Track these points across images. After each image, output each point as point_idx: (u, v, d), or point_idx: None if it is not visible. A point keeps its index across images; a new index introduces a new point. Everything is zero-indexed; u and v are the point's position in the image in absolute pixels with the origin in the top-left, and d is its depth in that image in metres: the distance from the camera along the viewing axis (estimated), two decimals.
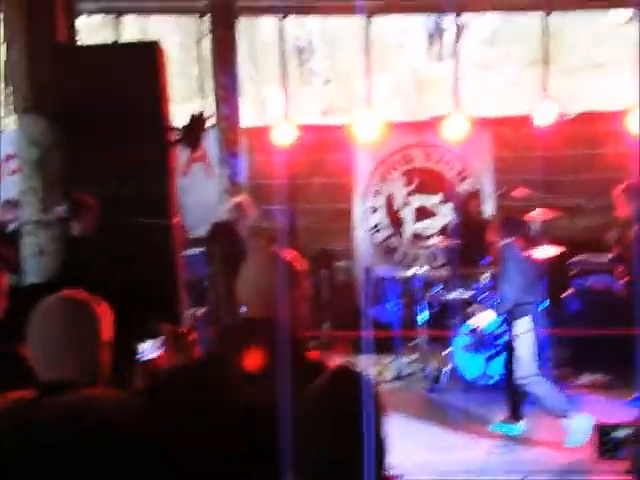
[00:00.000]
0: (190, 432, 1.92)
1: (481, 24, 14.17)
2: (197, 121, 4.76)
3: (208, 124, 7.98)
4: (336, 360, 2.02)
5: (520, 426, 5.95)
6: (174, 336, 2.46)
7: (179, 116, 5.79)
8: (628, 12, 12.30)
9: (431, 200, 8.83)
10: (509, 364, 6.12)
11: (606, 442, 1.91)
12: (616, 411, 6.00)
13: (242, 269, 2.16)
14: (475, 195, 8.11)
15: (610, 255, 6.87)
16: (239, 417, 1.91)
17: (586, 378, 7.08)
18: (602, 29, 13.83)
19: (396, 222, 8.90)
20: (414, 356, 7.27)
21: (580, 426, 5.19)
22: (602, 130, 8.72)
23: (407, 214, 8.90)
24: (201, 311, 5.16)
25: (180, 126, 4.74)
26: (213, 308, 5.91)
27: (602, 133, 8.72)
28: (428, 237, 8.67)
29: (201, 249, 6.88)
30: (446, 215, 8.89)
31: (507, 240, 5.99)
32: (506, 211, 7.47)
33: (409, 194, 8.93)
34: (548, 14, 9.08)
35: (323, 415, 1.80)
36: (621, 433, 1.88)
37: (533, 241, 7.07)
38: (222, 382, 1.98)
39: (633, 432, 1.34)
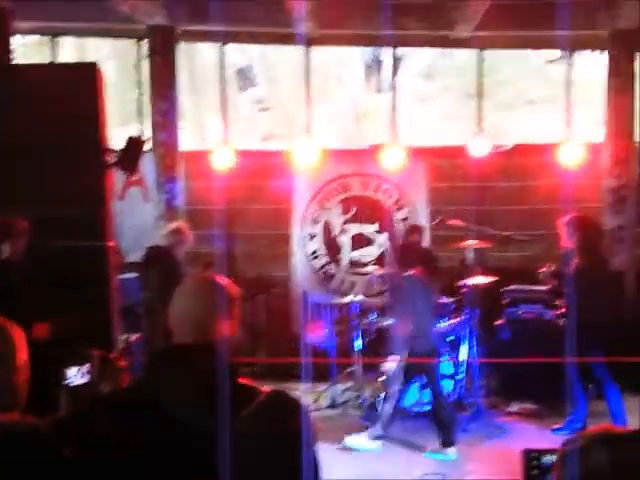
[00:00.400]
0: (112, 459, 1.88)
1: (418, 58, 14.48)
2: (134, 144, 4.71)
3: (145, 148, 7.96)
4: (270, 387, 2.01)
5: (452, 453, 6.01)
6: (102, 362, 2.39)
7: (116, 139, 5.74)
8: (556, 52, 12.80)
9: (368, 229, 8.92)
10: (434, 392, 6.21)
11: (532, 468, 1.94)
12: (544, 439, 6.14)
13: (174, 294, 2.14)
14: (417, 229, 8.13)
15: (546, 287, 7.03)
16: (166, 445, 1.87)
17: (516, 406, 7.21)
18: (533, 67, 14.31)
19: (333, 249, 8.95)
20: (349, 383, 7.28)
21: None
22: (534, 163, 8.97)
23: (344, 242, 8.97)
24: (135, 337, 5.08)
25: (117, 149, 4.69)
26: (148, 334, 5.83)
27: (534, 165, 8.97)
28: (365, 265, 8.74)
29: (136, 273, 6.78)
30: (382, 244, 9.00)
31: (408, 272, 6.16)
32: (413, 243, 7.59)
33: (346, 222, 9.01)
34: (482, 50, 9.33)
35: (257, 440, 1.79)
36: (548, 459, 1.91)
37: (466, 270, 7.22)
38: (149, 409, 1.94)
39: (556, 458, 1.37)
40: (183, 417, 1.90)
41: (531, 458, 1.96)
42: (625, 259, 8.37)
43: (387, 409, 6.26)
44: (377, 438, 6.23)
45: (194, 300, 2.09)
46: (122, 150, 4.65)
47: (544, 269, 6.56)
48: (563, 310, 6.77)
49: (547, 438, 6.19)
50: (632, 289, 8.42)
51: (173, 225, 6.95)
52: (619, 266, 8.28)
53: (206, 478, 1.81)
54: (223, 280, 2.15)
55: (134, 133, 7.03)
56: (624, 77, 8.29)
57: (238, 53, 14.94)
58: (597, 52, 11.90)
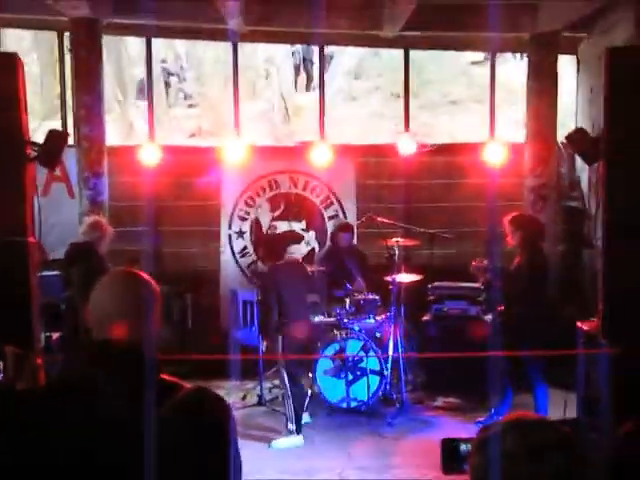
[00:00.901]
0: (24, 459, 1.84)
1: (347, 57, 14.60)
2: (55, 138, 4.59)
3: (69, 142, 7.76)
4: (195, 384, 2.00)
5: (299, 439, 6.25)
6: (17, 359, 2.33)
7: (38, 133, 5.58)
8: (480, 55, 13.11)
9: (296, 226, 8.93)
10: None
11: (451, 456, 1.99)
12: (468, 431, 6.26)
13: (93, 289, 2.10)
14: (347, 227, 8.19)
15: (476, 283, 7.15)
16: (86, 437, 1.84)
17: (441, 401, 7.35)
18: (458, 68, 14.62)
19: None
20: (277, 381, 7.26)
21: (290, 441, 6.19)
22: (459, 161, 9.15)
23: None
24: (57, 335, 4.96)
25: (38, 143, 4.56)
26: (69, 332, 5.69)
27: (459, 164, 9.15)
28: None
29: (59, 271, 6.61)
30: (310, 241, 9.03)
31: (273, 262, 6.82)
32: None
33: (274, 219, 9.01)
34: (408, 50, 9.45)
35: (177, 434, 1.78)
36: (465, 447, 1.95)
37: (393, 267, 7.30)
38: (66, 406, 1.91)
39: (473, 444, 1.41)
40: (103, 412, 1.87)
41: (449, 447, 2.00)
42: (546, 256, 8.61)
43: (288, 404, 6.39)
44: (295, 433, 6.31)
45: (113, 295, 2.05)
46: (43, 144, 4.52)
47: (475, 263, 6.69)
48: (497, 306, 6.93)
49: (471, 431, 6.29)
50: (553, 285, 8.66)
51: (91, 220, 6.76)
52: None
53: (124, 472, 1.78)
54: (143, 276, 2.11)
55: (57, 128, 6.86)
56: (545, 79, 8.51)
57: (165, 48, 14.78)
58: (519, 55, 12.25)
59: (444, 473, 2.03)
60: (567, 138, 7.34)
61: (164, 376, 2.04)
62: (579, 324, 5.43)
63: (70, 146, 8.27)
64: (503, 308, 6.60)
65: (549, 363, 6.24)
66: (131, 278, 2.11)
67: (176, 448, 1.79)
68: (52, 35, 9.73)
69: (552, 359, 6.09)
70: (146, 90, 9.63)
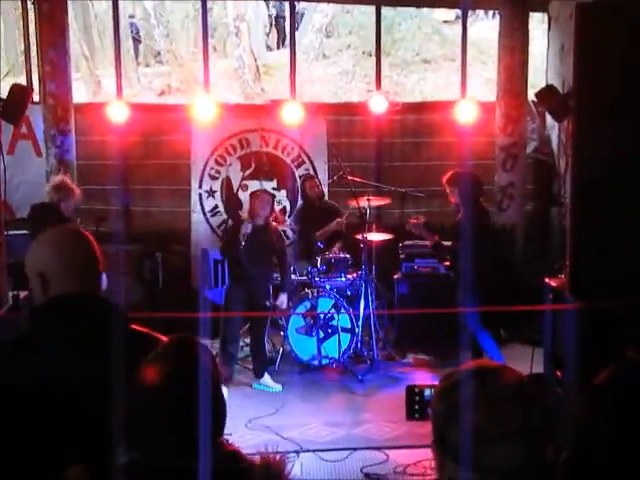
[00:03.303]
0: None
1: (318, 14, 14.41)
2: (18, 93, 4.49)
3: (34, 99, 7.62)
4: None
5: (273, 385, 6.66)
6: None
7: (2, 90, 5.46)
8: (453, 12, 13.01)
9: (267, 185, 8.89)
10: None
11: (414, 402, 2.02)
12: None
13: (33, 244, 2.09)
14: (310, 178, 8.26)
15: (430, 242, 7.19)
16: (58, 390, 1.84)
17: (411, 357, 7.43)
18: (429, 27, 14.52)
19: (233, 206, 8.87)
20: (248, 339, 7.29)
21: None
22: (430, 120, 9.13)
23: (244, 198, 8.90)
24: (24, 294, 4.91)
25: (1, 98, 4.46)
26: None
27: (430, 123, 9.13)
28: None
29: (26, 230, 6.52)
30: (282, 200, 9.00)
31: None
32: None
33: (245, 178, 8.95)
34: (379, 7, 9.36)
35: (168, 379, 1.77)
36: (428, 393, 1.99)
37: (364, 226, 7.32)
38: (35, 361, 1.90)
39: (434, 391, 1.43)
40: (72, 366, 1.86)
41: (413, 393, 2.03)
42: (515, 215, 8.68)
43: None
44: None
45: (63, 252, 2.05)
46: (5, 99, 4.42)
47: (413, 221, 6.74)
48: (449, 263, 6.99)
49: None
50: (521, 243, 8.76)
51: (57, 180, 6.65)
52: (509, 221, 8.58)
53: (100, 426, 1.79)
54: (85, 233, 2.13)
55: (20, 83, 6.71)
56: (517, 37, 8.48)
57: (133, 4, 14.48)
58: (491, 12, 12.19)
59: (408, 419, 2.07)
60: (537, 95, 7.40)
61: (135, 327, 2.06)
62: (547, 280, 5.49)
63: (36, 103, 8.13)
64: (453, 264, 6.68)
65: (514, 318, 6.31)
66: (72, 234, 2.13)
67: (163, 390, 1.79)
68: None
69: (519, 315, 6.18)
70: (114, 47, 9.43)
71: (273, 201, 7.15)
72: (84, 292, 2.05)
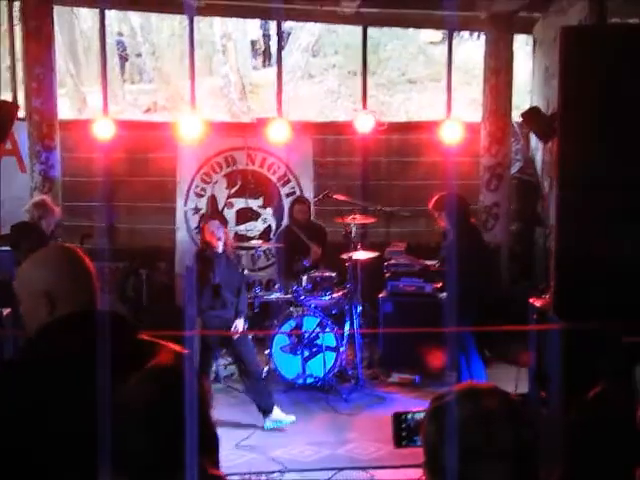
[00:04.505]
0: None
1: (304, 33, 14.50)
2: (5, 110, 4.48)
3: (19, 116, 7.58)
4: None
5: (285, 417, 6.14)
6: None
7: None
8: (438, 35, 13.17)
9: (253, 203, 8.89)
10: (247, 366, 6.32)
11: (402, 429, 2.01)
12: (422, 407, 6.34)
13: (24, 264, 2.06)
14: (301, 202, 8.21)
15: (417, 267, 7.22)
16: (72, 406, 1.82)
17: (396, 377, 7.41)
18: (415, 47, 14.64)
19: None
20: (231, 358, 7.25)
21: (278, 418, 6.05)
22: (416, 140, 9.19)
23: (229, 216, 8.90)
24: (7, 310, 4.87)
25: None
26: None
27: (416, 143, 9.20)
28: (250, 239, 8.73)
29: (9, 247, 6.48)
30: (267, 218, 9.00)
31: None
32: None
33: (231, 196, 8.94)
34: (366, 27, 9.44)
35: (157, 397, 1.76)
36: (416, 419, 1.98)
37: (350, 245, 7.33)
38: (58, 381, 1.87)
39: (425, 414, 1.43)
40: (95, 383, 1.83)
41: (400, 420, 2.02)
42: (500, 234, 8.73)
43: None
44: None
45: (63, 269, 2.02)
46: None
47: (390, 249, 6.80)
48: (439, 284, 7.02)
49: (425, 407, 6.40)
50: (506, 263, 8.80)
51: (36, 199, 6.68)
52: (494, 241, 8.63)
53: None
54: (78, 251, 2.09)
55: (6, 99, 6.69)
56: (501, 58, 8.58)
57: (120, 22, 14.49)
58: (476, 34, 12.32)
59: (395, 447, 2.06)
60: (522, 116, 7.45)
61: (140, 334, 2.03)
62: (531, 301, 5.52)
63: (21, 119, 8.10)
64: (445, 285, 6.70)
65: (498, 338, 6.32)
66: (66, 253, 2.10)
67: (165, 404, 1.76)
68: (1, 4, 9.45)
69: (504, 335, 6.19)
70: (100, 63, 9.43)
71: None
72: (95, 308, 2.03)
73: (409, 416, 2.01)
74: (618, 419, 2.00)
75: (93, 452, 1.78)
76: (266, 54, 15.08)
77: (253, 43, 15.09)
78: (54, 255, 2.11)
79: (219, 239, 6.39)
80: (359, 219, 7.52)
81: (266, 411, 6.13)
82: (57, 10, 8.58)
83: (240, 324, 6.41)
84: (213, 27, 14.20)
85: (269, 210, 9.02)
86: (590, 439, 1.80)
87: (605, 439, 1.95)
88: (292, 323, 7.04)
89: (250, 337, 6.69)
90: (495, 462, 1.39)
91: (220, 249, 6.42)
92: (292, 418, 6.10)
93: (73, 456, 1.83)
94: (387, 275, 7.72)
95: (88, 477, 1.78)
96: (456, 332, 6.11)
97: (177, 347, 1.98)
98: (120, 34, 14.88)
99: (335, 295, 7.29)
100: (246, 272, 7.59)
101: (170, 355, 1.94)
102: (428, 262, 7.50)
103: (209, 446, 1.82)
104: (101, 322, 1.93)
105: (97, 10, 9.31)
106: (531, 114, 7.28)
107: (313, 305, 7.15)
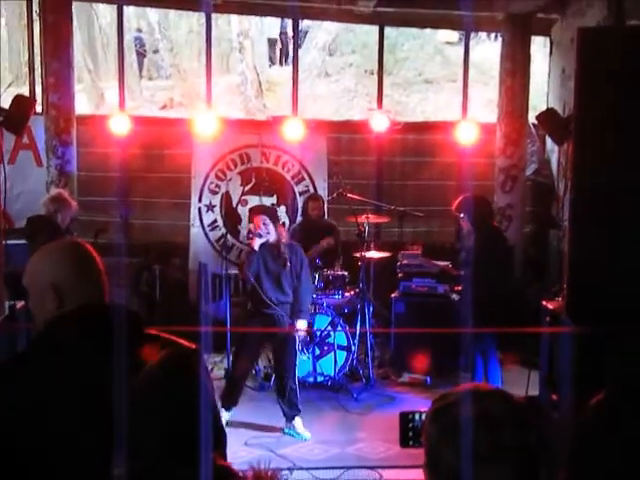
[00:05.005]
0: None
1: (322, 32, 14.50)
2: (22, 104, 4.51)
3: (37, 110, 7.64)
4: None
5: (303, 432, 5.99)
6: None
7: (6, 100, 5.47)
8: (455, 35, 13.14)
9: (267, 201, 8.90)
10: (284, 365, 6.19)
11: (408, 429, 2.01)
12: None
13: (33, 257, 2.06)
14: (315, 199, 8.22)
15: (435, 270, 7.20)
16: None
17: (407, 377, 7.40)
18: (432, 47, 14.60)
19: (232, 221, 8.88)
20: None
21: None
22: (431, 140, 9.17)
23: (243, 213, 8.91)
24: (21, 304, 4.90)
25: (4, 108, 4.47)
26: None
27: (431, 143, 9.17)
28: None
29: (24, 240, 6.52)
30: (281, 216, 8.99)
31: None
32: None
33: (245, 193, 8.96)
34: (383, 27, 9.42)
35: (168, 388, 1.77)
36: (422, 421, 1.97)
37: (363, 244, 7.32)
38: (58, 373, 1.87)
39: (427, 414, 1.43)
40: (108, 375, 1.83)
41: (407, 420, 2.02)
42: (514, 236, 8.68)
43: None
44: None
45: (72, 262, 2.03)
46: (9, 109, 4.44)
47: (404, 251, 6.78)
48: (458, 286, 6.98)
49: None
50: (519, 265, 8.76)
51: (53, 192, 6.71)
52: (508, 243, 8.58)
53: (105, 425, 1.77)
54: (87, 246, 2.10)
55: (23, 93, 6.73)
56: (518, 60, 8.54)
57: (138, 18, 14.55)
58: (494, 34, 12.27)
59: (401, 446, 2.05)
60: (538, 118, 7.41)
61: (151, 331, 2.03)
62: (544, 303, 5.49)
63: (38, 114, 8.16)
64: (464, 286, 6.65)
65: (514, 341, 6.29)
66: (75, 248, 2.10)
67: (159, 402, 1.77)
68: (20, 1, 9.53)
69: (516, 337, 6.16)
70: (117, 59, 9.48)
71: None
72: (105, 301, 2.04)
73: (416, 416, 2.00)
74: (623, 423, 1.98)
75: (101, 445, 1.80)
76: (283, 52, 15.09)
77: (270, 41, 15.10)
78: (62, 249, 2.11)
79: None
80: (372, 218, 7.51)
81: (289, 418, 6.06)
82: (76, 6, 8.62)
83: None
84: (231, 25, 14.23)
85: (283, 208, 9.02)
86: (593, 443, 1.78)
87: (610, 444, 1.93)
88: None
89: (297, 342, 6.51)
90: (496, 465, 1.39)
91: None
92: (308, 436, 5.94)
93: (80, 451, 1.84)
94: (399, 275, 7.71)
95: (98, 471, 1.80)
96: (476, 334, 6.07)
97: (187, 342, 1.99)
98: (138, 30, 14.94)
99: (347, 294, 7.30)
100: None
101: (179, 350, 1.94)
102: (441, 263, 7.48)
103: (217, 439, 1.83)
104: (109, 316, 1.94)
105: (115, 6, 9.35)
106: (547, 116, 7.23)
107: (325, 304, 7.15)
